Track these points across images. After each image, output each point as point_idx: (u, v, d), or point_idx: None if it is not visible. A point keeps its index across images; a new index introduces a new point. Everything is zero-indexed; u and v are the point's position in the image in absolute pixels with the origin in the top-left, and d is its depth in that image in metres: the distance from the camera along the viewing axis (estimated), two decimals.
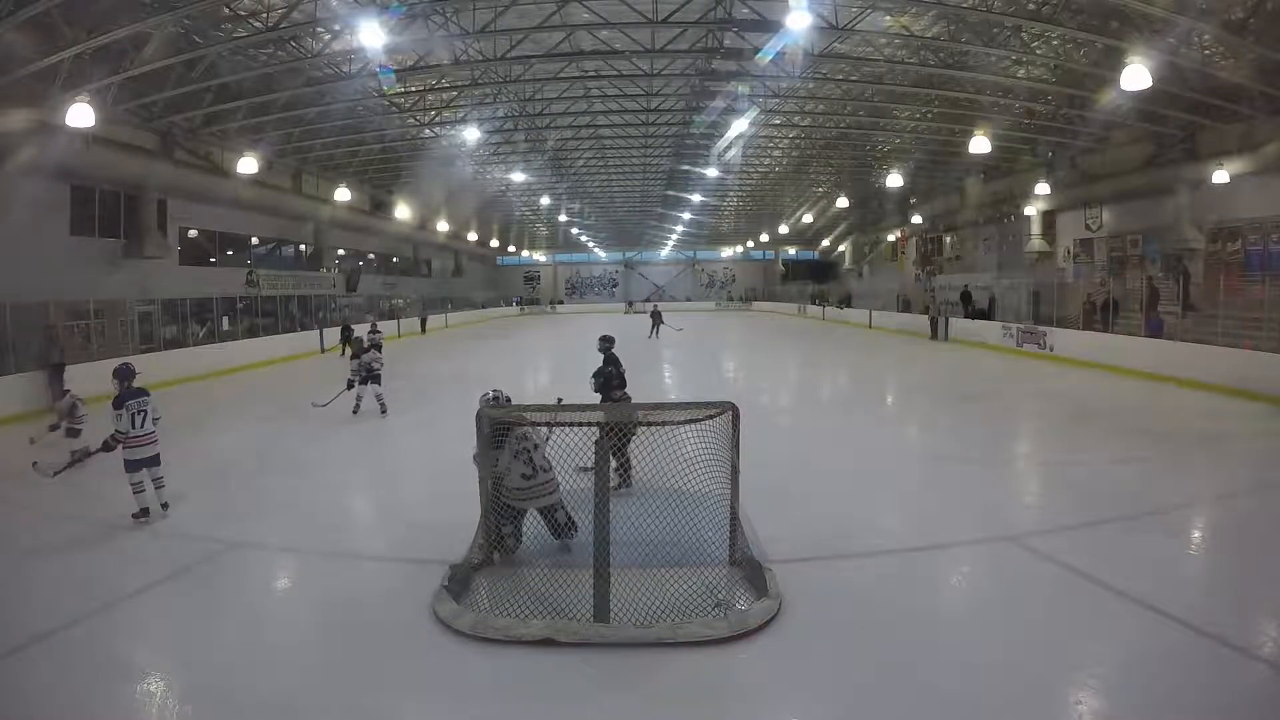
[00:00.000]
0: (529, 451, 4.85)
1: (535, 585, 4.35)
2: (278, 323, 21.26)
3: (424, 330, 30.41)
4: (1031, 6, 13.19)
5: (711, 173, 27.08)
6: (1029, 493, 7.00)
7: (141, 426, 5.93)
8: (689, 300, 50.52)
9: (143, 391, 6.06)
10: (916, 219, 31.33)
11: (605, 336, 8.21)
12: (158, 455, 6.07)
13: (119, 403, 5.89)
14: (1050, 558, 4.88)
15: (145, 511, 5.90)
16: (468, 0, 13.13)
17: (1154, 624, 3.94)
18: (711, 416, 4.50)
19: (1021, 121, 19.10)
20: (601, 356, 7.30)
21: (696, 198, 33.77)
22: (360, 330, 17.99)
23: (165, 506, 6.10)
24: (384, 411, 10.62)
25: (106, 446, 5.87)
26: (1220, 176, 15.73)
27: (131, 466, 5.88)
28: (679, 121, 22.77)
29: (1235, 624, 3.86)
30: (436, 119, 20.95)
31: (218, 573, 4.95)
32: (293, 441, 9.24)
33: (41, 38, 11.33)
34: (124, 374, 6.08)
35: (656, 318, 26.30)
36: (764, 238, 45.42)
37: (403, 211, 29.73)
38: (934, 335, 22.36)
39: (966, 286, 23.27)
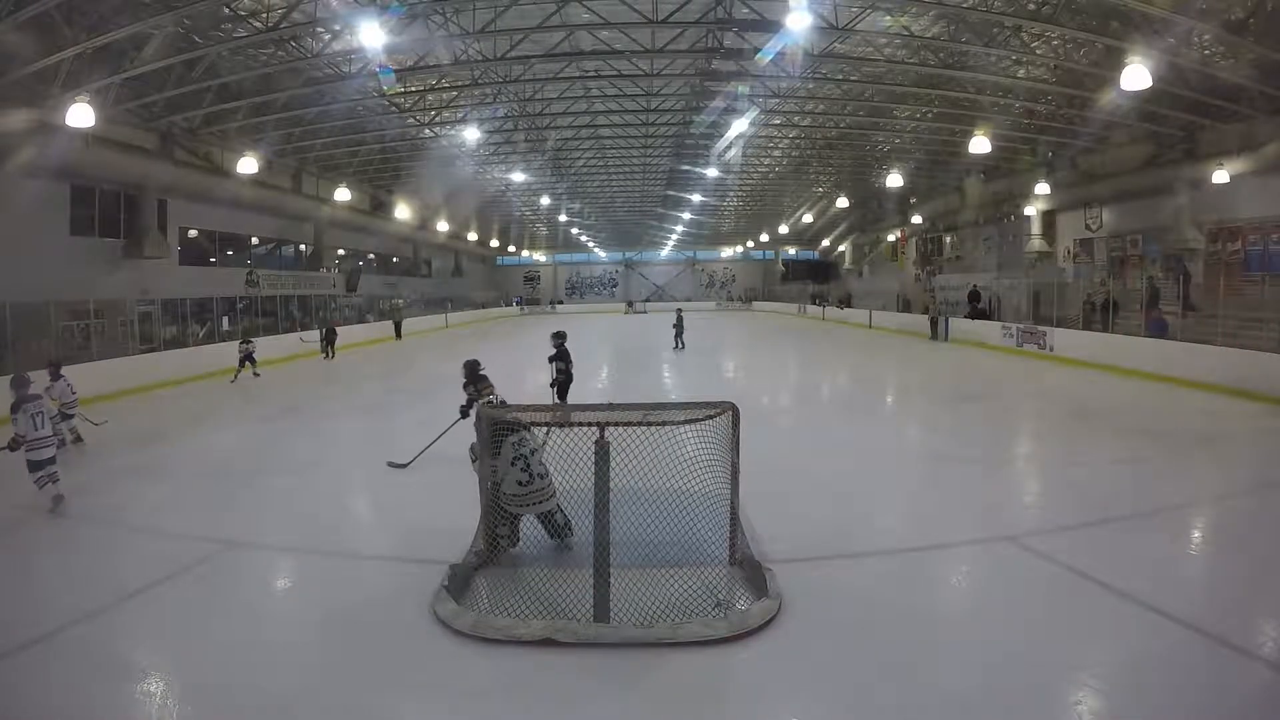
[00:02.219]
0: (525, 457, 4.81)
1: (535, 585, 4.36)
2: (278, 323, 21.27)
3: (399, 335, 26.77)
4: (1031, 6, 13.20)
5: (711, 173, 27.07)
6: (1029, 493, 7.00)
7: (41, 428, 6.22)
8: (689, 300, 50.52)
9: (37, 396, 6.45)
10: (916, 219, 31.33)
11: (558, 333, 9.29)
12: (54, 456, 6.38)
13: (15, 408, 6.18)
14: (1050, 558, 4.88)
15: (61, 498, 6.19)
16: (468, 0, 13.14)
17: (1154, 624, 3.94)
18: (711, 416, 4.50)
19: (1021, 121, 19.10)
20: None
21: (696, 198, 33.77)
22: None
23: (59, 500, 6.27)
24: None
25: (11, 446, 6.11)
26: (1220, 176, 15.73)
27: (34, 467, 6.16)
28: (679, 121, 22.77)
29: (1235, 624, 3.86)
30: (436, 119, 20.95)
31: (217, 573, 4.94)
32: (293, 441, 9.25)
33: (41, 38, 11.34)
34: (19, 384, 6.45)
35: (679, 325, 21.39)
36: (764, 238, 45.43)
37: (403, 211, 29.74)
38: (934, 335, 22.36)
39: (975, 286, 23.30)
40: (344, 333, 22.72)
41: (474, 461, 4.99)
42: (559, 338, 9.83)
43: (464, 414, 6.98)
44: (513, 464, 4.78)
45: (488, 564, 4.77)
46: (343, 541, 5.60)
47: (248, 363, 15.58)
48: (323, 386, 14.97)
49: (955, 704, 3.31)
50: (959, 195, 27.34)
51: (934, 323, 22.60)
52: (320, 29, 13.73)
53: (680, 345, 20.69)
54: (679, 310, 24.07)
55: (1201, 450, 8.09)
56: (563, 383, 9.65)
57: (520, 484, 4.78)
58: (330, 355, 19.70)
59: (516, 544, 4.96)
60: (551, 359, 9.80)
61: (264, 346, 18.58)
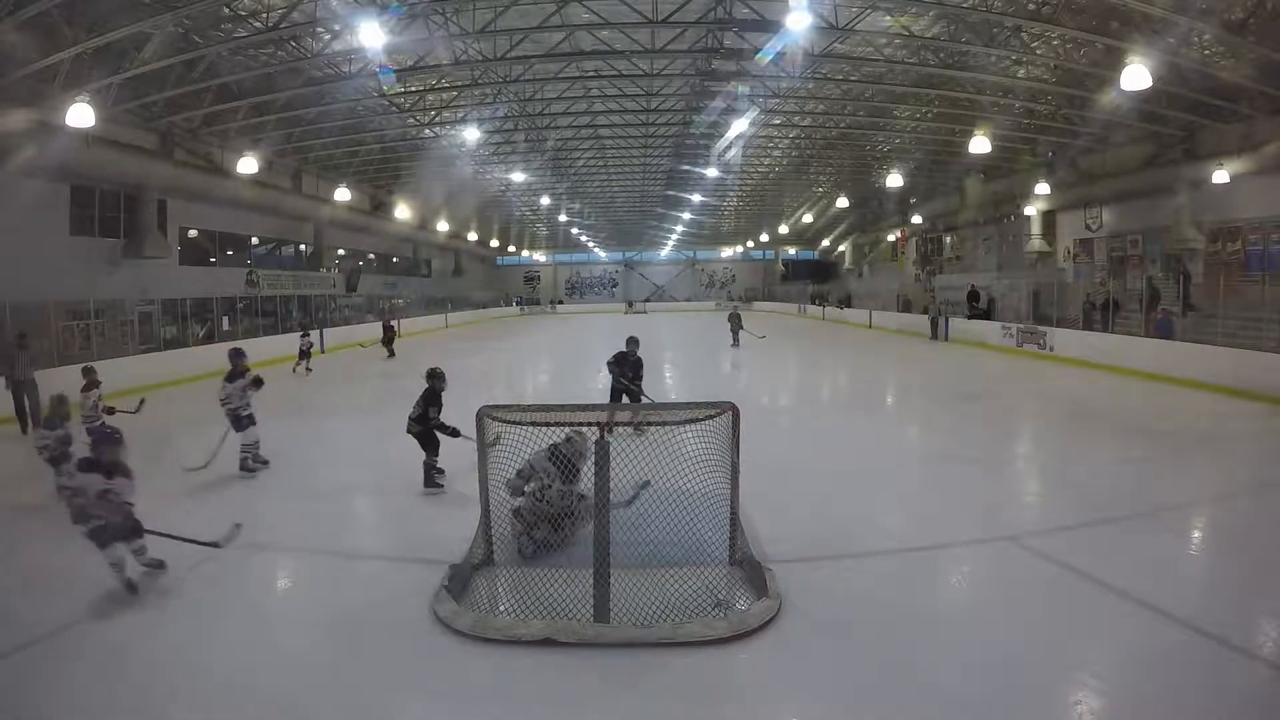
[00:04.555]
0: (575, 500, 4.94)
1: (535, 585, 4.35)
2: (278, 323, 21.28)
3: (304, 361, 16.50)
4: (1031, 6, 13.20)
5: (711, 173, 27.06)
6: (1029, 493, 7.00)
7: None
8: (689, 300, 50.52)
9: None
10: (916, 219, 31.35)
11: (632, 338, 8.92)
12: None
13: None
14: (1050, 558, 4.88)
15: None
16: (468, 0, 13.15)
17: (1154, 624, 3.94)
18: (711, 416, 4.50)
19: (1021, 121, 19.11)
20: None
21: (696, 198, 33.76)
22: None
23: None
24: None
25: None
26: (1220, 176, 15.74)
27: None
28: (679, 121, 22.79)
29: (1235, 624, 3.86)
30: (436, 119, 20.96)
31: (218, 573, 4.94)
32: (293, 441, 9.23)
33: (41, 38, 11.34)
34: None
35: (736, 322, 21.12)
36: (764, 238, 45.46)
37: (403, 211, 29.75)
38: (934, 335, 22.33)
39: (974, 285, 23.36)
40: (344, 333, 22.77)
41: (512, 494, 4.99)
42: (633, 344, 8.84)
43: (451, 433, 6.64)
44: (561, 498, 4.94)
45: (487, 564, 4.77)
46: (344, 542, 5.60)
47: (305, 356, 15.97)
48: (325, 386, 14.96)
49: (955, 704, 3.31)
50: (959, 195, 27.35)
51: (934, 323, 22.58)
52: (320, 29, 13.75)
53: (736, 342, 20.71)
54: (735, 307, 24.06)
55: (1201, 450, 8.09)
56: (634, 394, 8.87)
57: (553, 523, 4.95)
58: (390, 354, 19.77)
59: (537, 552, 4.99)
60: (616, 368, 8.90)
61: (264, 347, 18.61)
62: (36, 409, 9.59)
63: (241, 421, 7.34)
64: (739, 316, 21.67)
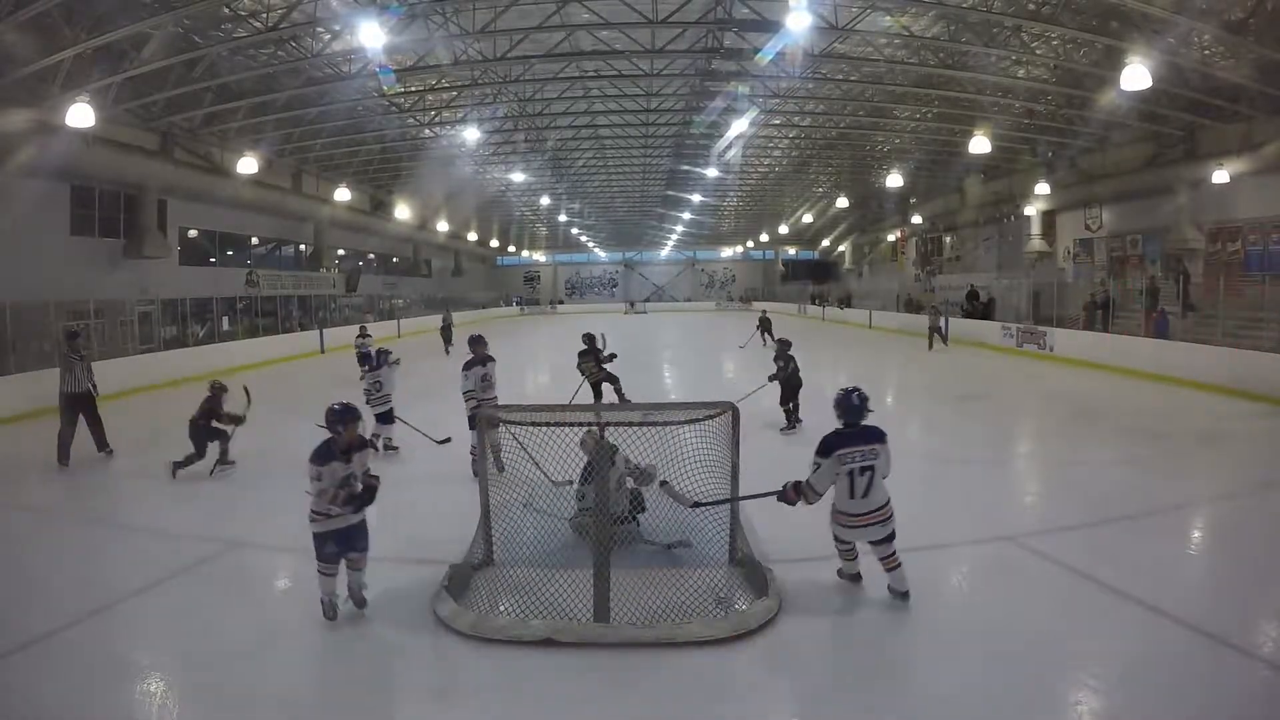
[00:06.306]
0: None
1: (535, 585, 4.35)
2: (278, 323, 21.27)
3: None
4: (1031, 6, 13.20)
5: (711, 173, 27.08)
6: (1029, 493, 7.00)
7: None
8: (689, 300, 50.50)
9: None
10: (916, 219, 31.33)
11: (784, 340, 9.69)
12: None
13: None
14: (1050, 558, 4.88)
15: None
16: (468, 0, 13.15)
17: (1154, 624, 3.94)
18: (712, 417, 4.50)
19: (1021, 121, 19.10)
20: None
21: (696, 198, 33.76)
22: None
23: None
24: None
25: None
26: (1220, 176, 15.73)
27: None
28: (679, 121, 22.79)
29: (1235, 624, 3.86)
30: (436, 119, 20.96)
31: (218, 573, 4.94)
32: (293, 441, 9.21)
33: (41, 38, 11.34)
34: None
35: (765, 324, 21.91)
36: (764, 238, 45.43)
37: (403, 211, 29.73)
38: (932, 345, 21.26)
39: (973, 285, 23.27)
40: (346, 333, 22.76)
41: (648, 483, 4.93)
42: (785, 346, 9.13)
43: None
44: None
45: (487, 564, 4.76)
46: None
47: (369, 360, 14.38)
48: (326, 386, 14.95)
49: (955, 704, 3.31)
50: (959, 195, 27.34)
51: (934, 331, 20.45)
52: (320, 29, 13.73)
53: (765, 343, 20.94)
54: (764, 312, 25.19)
55: (1201, 450, 8.10)
56: (790, 384, 9.16)
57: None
58: (448, 351, 19.69)
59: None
60: (778, 358, 9.26)
61: (264, 347, 18.62)
62: (98, 428, 7.96)
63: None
64: (769, 320, 22.23)
